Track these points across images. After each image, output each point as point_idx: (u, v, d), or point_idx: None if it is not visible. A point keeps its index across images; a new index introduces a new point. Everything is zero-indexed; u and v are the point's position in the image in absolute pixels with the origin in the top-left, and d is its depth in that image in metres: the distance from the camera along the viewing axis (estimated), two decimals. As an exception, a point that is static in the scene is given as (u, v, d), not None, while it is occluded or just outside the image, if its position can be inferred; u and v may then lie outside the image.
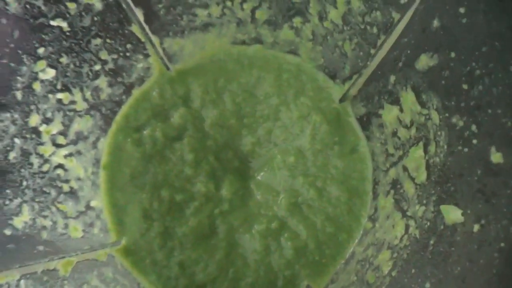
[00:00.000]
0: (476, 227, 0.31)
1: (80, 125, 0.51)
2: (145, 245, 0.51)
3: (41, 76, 0.46)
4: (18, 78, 0.43)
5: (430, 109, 0.39)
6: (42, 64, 0.45)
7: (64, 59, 0.47)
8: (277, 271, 0.51)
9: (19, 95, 0.44)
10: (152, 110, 0.56)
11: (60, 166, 0.49)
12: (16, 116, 0.44)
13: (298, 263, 0.51)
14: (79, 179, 0.51)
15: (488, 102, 0.32)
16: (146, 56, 0.54)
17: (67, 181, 0.50)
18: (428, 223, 0.38)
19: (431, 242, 0.36)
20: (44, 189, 0.47)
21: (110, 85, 0.53)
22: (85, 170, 0.52)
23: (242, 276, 0.51)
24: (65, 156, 0.50)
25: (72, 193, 0.50)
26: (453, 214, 0.34)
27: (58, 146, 0.49)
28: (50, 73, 0.46)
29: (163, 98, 0.56)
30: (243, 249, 0.52)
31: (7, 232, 0.42)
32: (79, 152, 0.52)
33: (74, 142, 0.51)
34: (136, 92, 0.56)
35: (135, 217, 0.52)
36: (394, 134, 0.48)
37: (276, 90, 0.56)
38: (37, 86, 0.46)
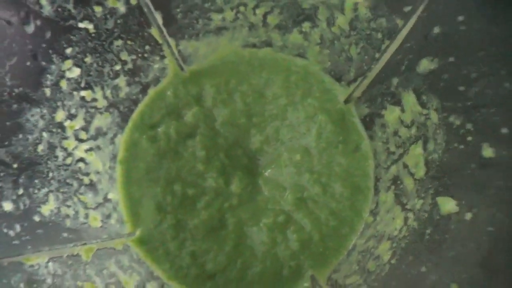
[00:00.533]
0: (468, 215, 0.33)
1: (100, 121, 0.53)
2: (159, 236, 0.53)
3: (68, 74, 0.48)
4: (48, 75, 0.45)
5: (430, 109, 0.41)
6: (69, 63, 0.47)
7: (88, 59, 0.49)
8: (283, 261, 0.52)
9: (48, 91, 0.46)
10: (167, 109, 0.57)
11: (81, 159, 0.51)
12: (44, 111, 0.45)
13: (303, 254, 0.52)
14: (98, 172, 0.53)
15: (482, 103, 0.34)
16: (162, 57, 0.56)
17: (87, 174, 0.52)
18: (426, 215, 0.40)
19: (428, 231, 0.38)
20: (68, 180, 0.49)
21: (128, 84, 0.55)
22: (103, 164, 0.54)
23: (250, 266, 0.52)
24: (86, 151, 0.52)
25: (92, 186, 0.52)
26: (448, 204, 0.36)
27: (80, 140, 0.51)
28: (76, 72, 0.48)
29: (177, 97, 0.58)
30: (251, 240, 0.53)
31: (36, 218, 0.44)
32: (98, 147, 0.53)
33: (94, 138, 0.53)
34: (151, 92, 0.58)
35: (149, 209, 0.54)
36: (395, 133, 0.49)
37: (284, 91, 0.58)
38: (63, 84, 0.48)
